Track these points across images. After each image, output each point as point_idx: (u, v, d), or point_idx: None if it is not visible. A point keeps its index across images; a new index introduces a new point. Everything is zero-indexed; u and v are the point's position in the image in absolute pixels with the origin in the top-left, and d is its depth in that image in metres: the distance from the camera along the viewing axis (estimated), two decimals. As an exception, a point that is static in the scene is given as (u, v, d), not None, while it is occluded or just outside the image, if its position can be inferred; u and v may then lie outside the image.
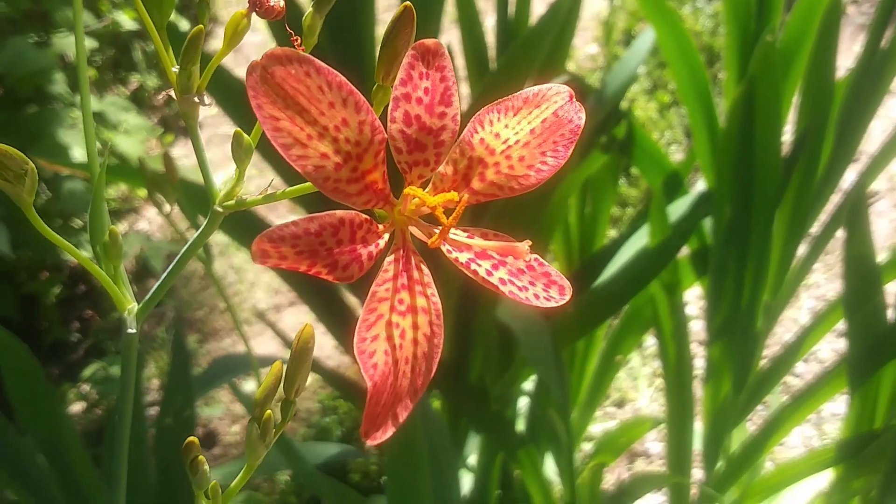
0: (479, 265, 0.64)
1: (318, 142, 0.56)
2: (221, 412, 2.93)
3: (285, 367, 0.67)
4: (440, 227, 0.63)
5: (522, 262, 0.65)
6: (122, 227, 3.67)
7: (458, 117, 0.63)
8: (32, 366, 1.47)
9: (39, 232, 0.66)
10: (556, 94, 0.66)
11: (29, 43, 3.11)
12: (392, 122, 0.61)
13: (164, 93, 0.63)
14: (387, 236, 0.61)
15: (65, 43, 3.28)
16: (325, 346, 2.99)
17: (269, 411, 0.67)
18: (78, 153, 3.08)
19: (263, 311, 3.25)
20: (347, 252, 0.58)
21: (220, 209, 0.63)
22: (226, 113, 1.72)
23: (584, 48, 4.18)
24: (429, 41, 0.61)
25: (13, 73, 2.99)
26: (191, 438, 0.66)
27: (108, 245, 0.68)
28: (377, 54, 0.63)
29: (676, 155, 3.57)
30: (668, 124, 3.72)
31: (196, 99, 0.63)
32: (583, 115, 0.66)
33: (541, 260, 0.65)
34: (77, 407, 2.99)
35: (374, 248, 0.60)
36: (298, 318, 3.19)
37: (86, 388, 3.02)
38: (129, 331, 0.69)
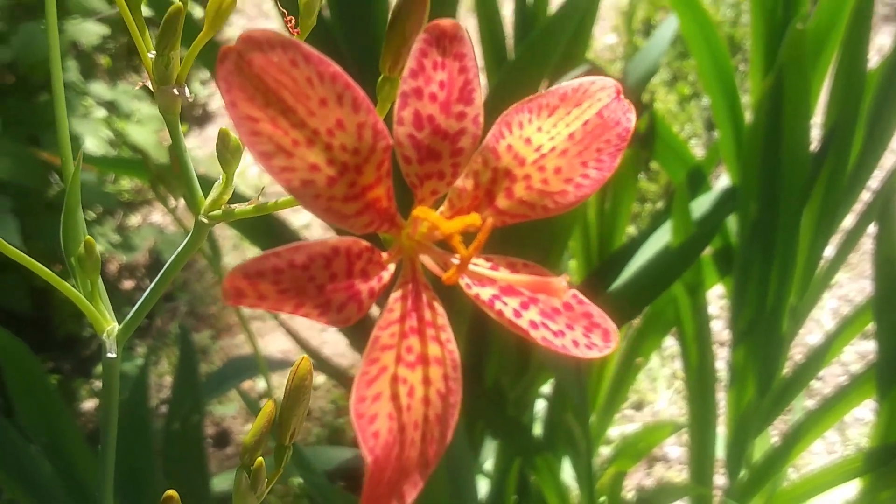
0: (506, 304, 0.52)
1: (307, 149, 0.44)
2: (235, 410, 2.89)
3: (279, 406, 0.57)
4: (457, 257, 0.51)
5: (558, 301, 0.53)
6: (135, 220, 3.64)
7: (481, 119, 0.51)
8: (34, 365, 1.43)
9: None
10: (599, 89, 0.54)
11: (41, 29, 3.07)
12: (399, 123, 0.49)
13: (139, 83, 0.55)
14: (392, 267, 0.50)
15: (78, 29, 3.24)
16: (339, 344, 2.95)
17: (260, 459, 0.57)
18: (90, 143, 3.05)
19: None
20: (343, 289, 0.47)
21: (204, 220, 0.54)
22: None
23: (602, 38, 4.11)
24: (445, 22, 0.50)
25: (25, 59, 2.95)
26: (169, 492, 0.58)
27: (84, 257, 0.60)
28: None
29: (696, 149, 3.49)
30: (688, 117, 3.64)
31: (176, 91, 0.54)
32: (633, 116, 0.54)
33: (580, 297, 0.54)
34: (89, 404, 2.96)
35: (375, 282, 0.48)
36: (312, 313, 3.14)
37: (98, 384, 2.99)
38: (109, 355, 0.60)
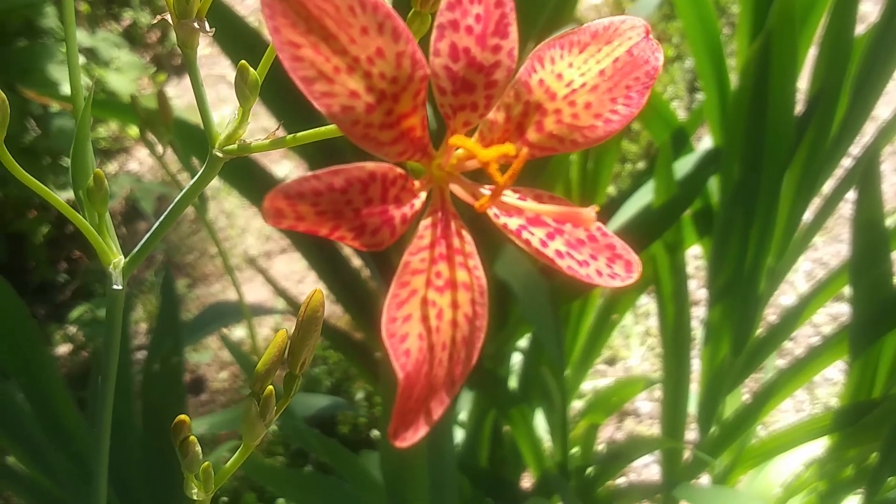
0: (532, 234, 0.54)
1: (348, 76, 0.45)
2: (210, 358, 2.90)
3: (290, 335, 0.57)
4: (490, 187, 0.52)
5: (583, 232, 0.54)
6: (111, 168, 3.60)
7: (516, 52, 0.52)
8: (16, 304, 1.42)
9: (27, 169, 0.58)
10: (630, 28, 0.55)
11: (16, -26, 3.01)
12: (435, 55, 0.50)
13: (159, 16, 0.55)
14: (423, 195, 0.51)
15: (56, -25, 3.18)
16: (316, 295, 2.95)
17: (270, 387, 0.58)
18: (68, 89, 3.00)
19: (254, 257, 3.20)
20: (378, 213, 0.48)
21: (219, 154, 0.54)
22: (225, 54, 1.65)
23: (588, -1, 4.09)
24: None
25: (2, 5, 2.89)
26: (181, 417, 0.58)
27: (93, 190, 0.59)
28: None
29: (678, 111, 3.50)
30: (670, 79, 3.65)
31: (196, 24, 0.54)
32: (661, 56, 0.55)
33: (604, 229, 0.55)
34: (63, 349, 2.95)
35: (408, 209, 0.49)
36: (290, 265, 3.15)
37: (72, 329, 2.97)
38: (115, 287, 0.60)
